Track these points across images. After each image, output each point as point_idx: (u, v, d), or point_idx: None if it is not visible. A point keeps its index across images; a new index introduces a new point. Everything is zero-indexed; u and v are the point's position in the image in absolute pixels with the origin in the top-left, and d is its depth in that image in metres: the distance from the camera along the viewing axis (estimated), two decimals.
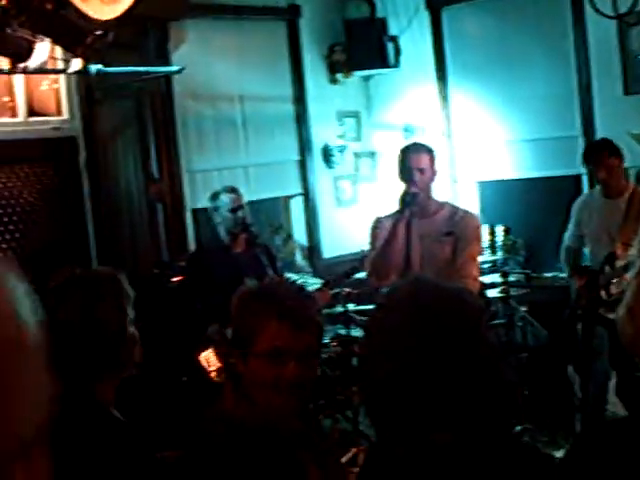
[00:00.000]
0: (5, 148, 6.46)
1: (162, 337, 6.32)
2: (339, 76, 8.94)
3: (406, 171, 5.24)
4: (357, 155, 9.15)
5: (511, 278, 7.04)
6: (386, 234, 5.18)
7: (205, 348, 6.04)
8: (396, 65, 8.88)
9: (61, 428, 2.55)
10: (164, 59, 7.25)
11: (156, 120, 7.25)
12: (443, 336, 1.98)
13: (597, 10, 6.33)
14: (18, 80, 6.58)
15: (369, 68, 8.97)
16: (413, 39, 8.92)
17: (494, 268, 7.56)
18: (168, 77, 7.24)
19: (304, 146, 8.63)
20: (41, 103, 6.82)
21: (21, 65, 5.79)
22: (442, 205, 5.45)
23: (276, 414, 2.45)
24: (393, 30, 8.88)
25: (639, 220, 5.95)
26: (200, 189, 7.59)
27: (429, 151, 5.36)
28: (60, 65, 6.28)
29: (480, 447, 1.99)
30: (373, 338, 2.10)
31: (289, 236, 8.18)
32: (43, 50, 5.83)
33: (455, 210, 5.46)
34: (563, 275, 6.84)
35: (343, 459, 4.41)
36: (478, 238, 5.47)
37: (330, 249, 8.66)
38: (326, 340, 6.54)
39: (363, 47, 8.82)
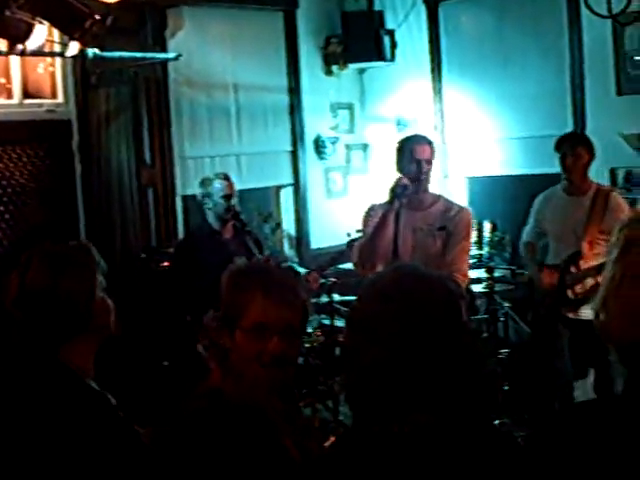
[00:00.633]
0: None
1: (147, 321, 6.37)
2: (334, 68, 8.97)
3: (408, 161, 5.22)
4: (349, 147, 9.18)
5: (496, 274, 7.05)
6: (375, 223, 5.21)
7: (203, 336, 6.07)
8: (392, 59, 8.91)
9: (21, 383, 2.66)
10: (161, 46, 7.28)
11: (150, 106, 7.27)
12: (426, 322, 2.03)
13: (591, 10, 6.35)
14: (15, 62, 6.61)
15: (365, 61, 9.00)
16: (409, 33, 8.95)
17: (480, 263, 7.60)
18: (164, 63, 7.27)
19: (297, 137, 8.66)
20: (36, 86, 6.85)
21: (19, 47, 5.82)
22: (437, 198, 5.47)
23: (259, 389, 2.53)
24: (390, 24, 8.91)
25: (603, 219, 5.97)
26: (192, 176, 7.61)
27: (430, 143, 5.39)
28: (57, 48, 6.32)
29: (458, 430, 2.03)
30: (358, 323, 2.14)
31: (278, 225, 8.22)
32: (41, 33, 5.86)
33: (450, 205, 5.48)
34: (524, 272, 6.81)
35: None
36: (470, 234, 5.51)
37: (318, 240, 8.70)
38: (310, 330, 6.59)
39: (359, 40, 8.85)
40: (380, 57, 8.84)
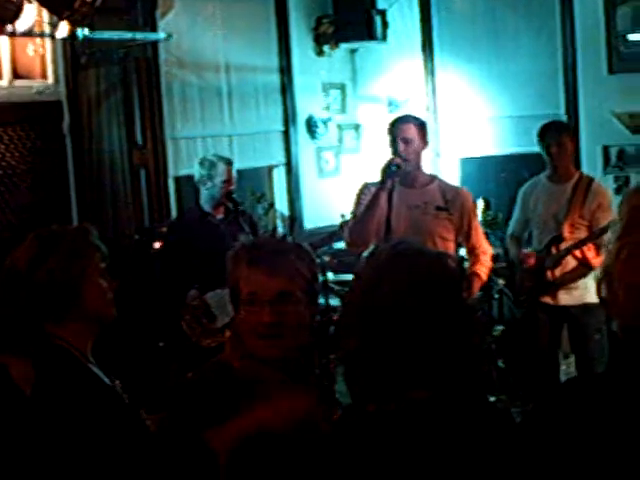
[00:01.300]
0: None
1: (141, 302, 6.37)
2: (326, 48, 8.94)
3: (392, 142, 5.31)
4: (341, 127, 9.16)
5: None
6: (367, 202, 5.25)
7: (186, 313, 6.09)
8: (383, 38, 8.88)
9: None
10: (151, 26, 7.24)
11: (141, 87, 7.23)
12: (424, 299, 2.04)
13: None
14: (4, 43, 6.56)
15: (356, 41, 8.98)
16: (401, 13, 8.93)
17: None
18: (155, 44, 7.23)
19: (288, 117, 8.64)
20: (26, 67, 6.80)
21: (8, 28, 5.79)
22: (431, 178, 5.54)
23: (258, 362, 2.53)
24: (381, 3, 8.88)
25: (584, 204, 6.00)
26: (184, 157, 7.62)
27: (417, 122, 5.41)
28: (47, 29, 6.29)
29: (454, 407, 2.04)
30: (355, 297, 2.14)
31: (271, 205, 8.20)
32: (30, 13, 5.83)
33: (445, 185, 5.55)
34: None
35: None
36: (476, 211, 5.66)
37: (311, 219, 8.70)
38: None
39: (350, 19, 8.82)
40: (371, 37, 8.81)
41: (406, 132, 5.32)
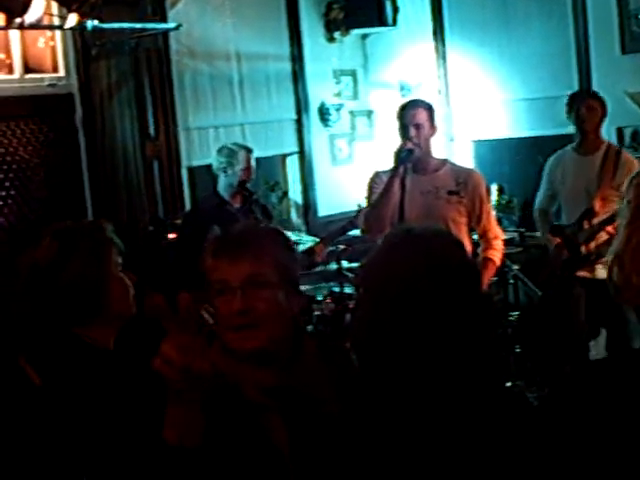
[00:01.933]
0: (1, 105, 6.46)
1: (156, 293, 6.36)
2: (337, 34, 8.92)
3: (403, 127, 5.29)
4: (353, 114, 9.14)
5: (505, 236, 7.04)
6: (381, 189, 5.24)
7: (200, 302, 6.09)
8: (394, 24, 8.85)
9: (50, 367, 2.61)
10: (161, 16, 7.23)
11: (153, 77, 7.23)
12: (440, 280, 2.02)
13: None
14: (14, 37, 6.57)
15: (367, 26, 8.95)
16: None
17: None
18: (165, 34, 7.22)
19: (301, 104, 8.62)
20: (37, 60, 6.81)
21: (17, 21, 5.79)
22: (442, 162, 5.52)
23: (233, 361, 2.34)
24: None
25: (615, 175, 5.93)
26: (196, 147, 7.62)
27: (427, 107, 5.39)
28: (56, 21, 6.28)
29: (469, 392, 2.02)
30: (370, 278, 2.13)
31: (284, 194, 8.21)
32: (39, 5, 5.83)
33: (457, 168, 5.53)
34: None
35: None
36: (488, 194, 5.65)
37: (325, 207, 8.69)
38: (320, 297, 6.61)
39: (361, 5, 8.79)
40: (382, 22, 8.78)
41: (417, 117, 5.29)
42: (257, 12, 8.25)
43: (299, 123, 8.64)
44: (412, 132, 5.25)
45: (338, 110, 8.83)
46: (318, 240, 6.82)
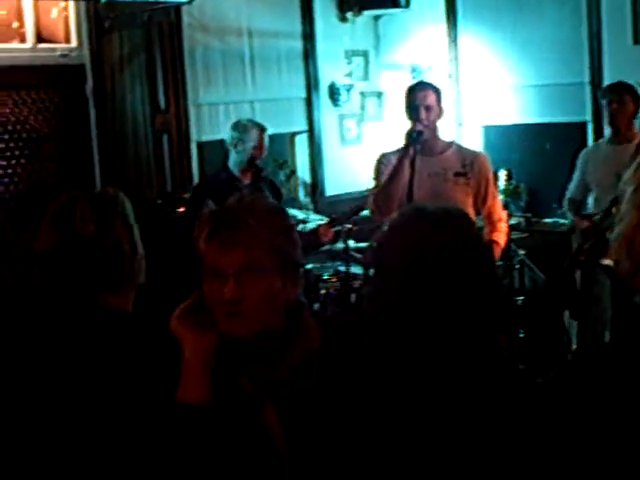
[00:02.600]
0: (13, 73, 6.47)
1: (164, 267, 6.38)
2: (349, 14, 8.89)
3: (412, 109, 5.30)
4: (363, 94, 9.12)
5: (511, 221, 7.03)
6: (391, 170, 5.25)
7: None
8: (407, 5, 8.83)
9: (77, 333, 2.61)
10: None
11: (164, 51, 7.23)
12: (454, 258, 2.04)
13: None
14: (27, 6, 6.57)
15: (379, 7, 8.92)
16: None
17: None
18: (178, 8, 7.21)
19: (311, 83, 8.61)
20: (50, 30, 6.81)
21: None
22: (449, 144, 5.53)
23: (228, 341, 2.25)
24: None
25: None
26: (206, 122, 7.63)
27: (435, 89, 5.41)
28: None
29: (475, 365, 2.04)
30: (381, 257, 2.14)
31: (293, 172, 8.20)
32: None
33: (463, 150, 5.55)
34: (564, 221, 6.83)
35: None
36: (494, 177, 5.63)
37: (333, 187, 8.69)
38: (325, 276, 6.62)
39: None
40: (395, 4, 8.76)
41: (427, 99, 5.31)
42: None
43: (309, 102, 8.63)
44: (423, 114, 5.26)
45: (348, 91, 8.82)
46: (327, 220, 6.82)
